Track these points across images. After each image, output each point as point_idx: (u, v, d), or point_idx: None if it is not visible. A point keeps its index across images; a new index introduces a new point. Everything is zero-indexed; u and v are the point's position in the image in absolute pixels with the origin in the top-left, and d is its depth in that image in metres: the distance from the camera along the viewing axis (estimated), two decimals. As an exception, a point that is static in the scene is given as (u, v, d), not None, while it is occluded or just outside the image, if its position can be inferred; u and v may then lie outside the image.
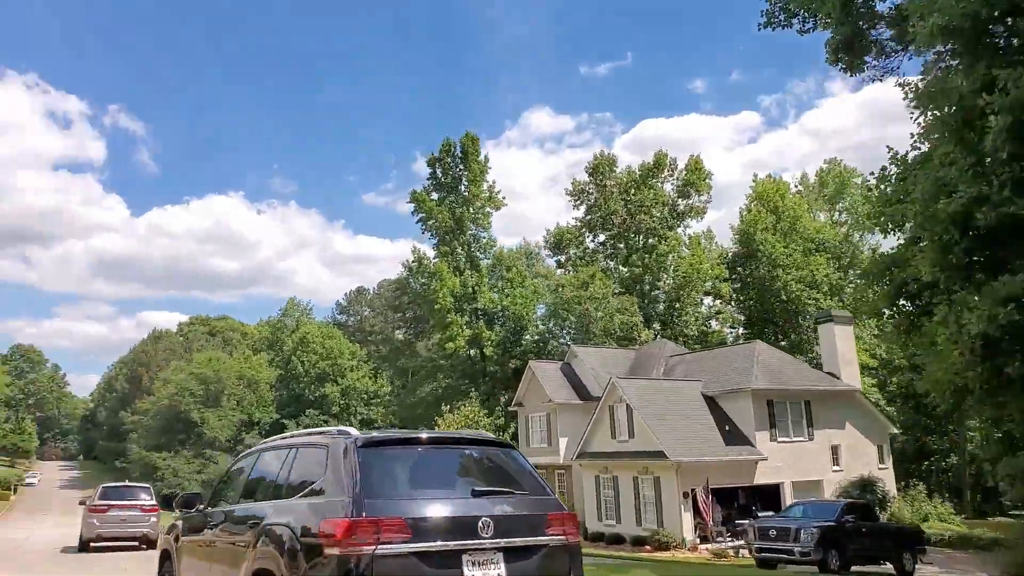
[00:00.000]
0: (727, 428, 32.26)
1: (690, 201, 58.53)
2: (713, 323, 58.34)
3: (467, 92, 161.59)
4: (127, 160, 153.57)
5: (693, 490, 29.64)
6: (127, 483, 26.81)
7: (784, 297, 55.61)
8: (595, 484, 34.27)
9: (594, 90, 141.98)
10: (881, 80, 21.49)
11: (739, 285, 58.62)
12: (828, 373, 35.24)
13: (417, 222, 53.53)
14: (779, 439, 32.52)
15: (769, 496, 32.30)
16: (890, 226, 19.10)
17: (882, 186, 18.66)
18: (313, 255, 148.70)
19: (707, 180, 58.74)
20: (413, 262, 53.81)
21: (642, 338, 49.98)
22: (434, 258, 52.55)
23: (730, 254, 59.54)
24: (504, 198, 55.23)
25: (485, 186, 54.49)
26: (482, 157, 54.25)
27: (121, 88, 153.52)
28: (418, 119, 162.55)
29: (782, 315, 56.86)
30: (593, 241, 60.11)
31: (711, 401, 33.73)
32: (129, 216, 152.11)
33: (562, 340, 47.91)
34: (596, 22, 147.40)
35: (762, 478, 31.88)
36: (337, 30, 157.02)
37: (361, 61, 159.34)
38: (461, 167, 53.95)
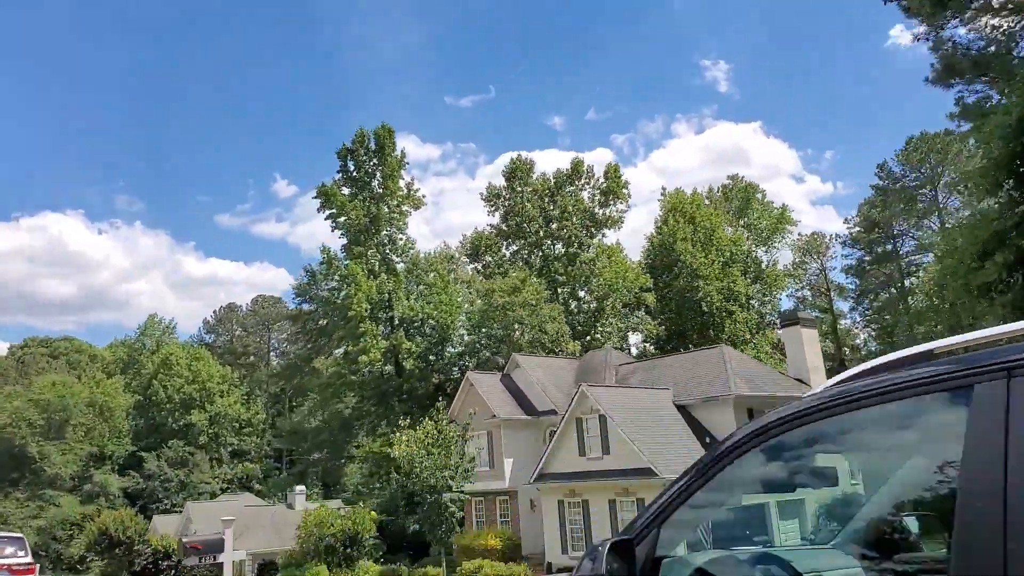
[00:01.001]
0: (707, 440, 29.29)
1: (608, 210, 56.28)
2: (633, 336, 56.19)
3: (332, 112, 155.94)
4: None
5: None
6: None
7: (705, 309, 54.29)
8: (558, 511, 30.26)
9: (458, 120, 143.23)
10: (940, 30, 19.72)
11: (656, 297, 56.88)
12: (796, 379, 33.21)
13: (326, 219, 47.75)
14: (760, 451, 29.87)
15: (750, 514, 29.52)
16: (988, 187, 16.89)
17: (988, 144, 16.21)
18: (160, 278, 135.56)
19: (625, 189, 56.83)
20: (322, 263, 47.71)
21: (568, 349, 46.74)
22: (344, 260, 46.74)
23: (645, 265, 57.79)
24: (424, 196, 50.70)
25: (402, 183, 49.63)
26: (398, 152, 49.45)
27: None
28: (279, 138, 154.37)
29: (701, 328, 55.44)
30: (508, 249, 56.62)
31: (684, 411, 30.77)
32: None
33: (487, 352, 43.61)
34: (461, 54, 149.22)
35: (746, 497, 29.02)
36: (190, 40, 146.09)
37: (216, 75, 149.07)
38: (375, 161, 48.83)
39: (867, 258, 68.68)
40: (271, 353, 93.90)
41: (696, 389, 31.26)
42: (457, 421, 38.30)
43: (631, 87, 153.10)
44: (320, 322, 49.02)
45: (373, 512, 38.88)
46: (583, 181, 57.61)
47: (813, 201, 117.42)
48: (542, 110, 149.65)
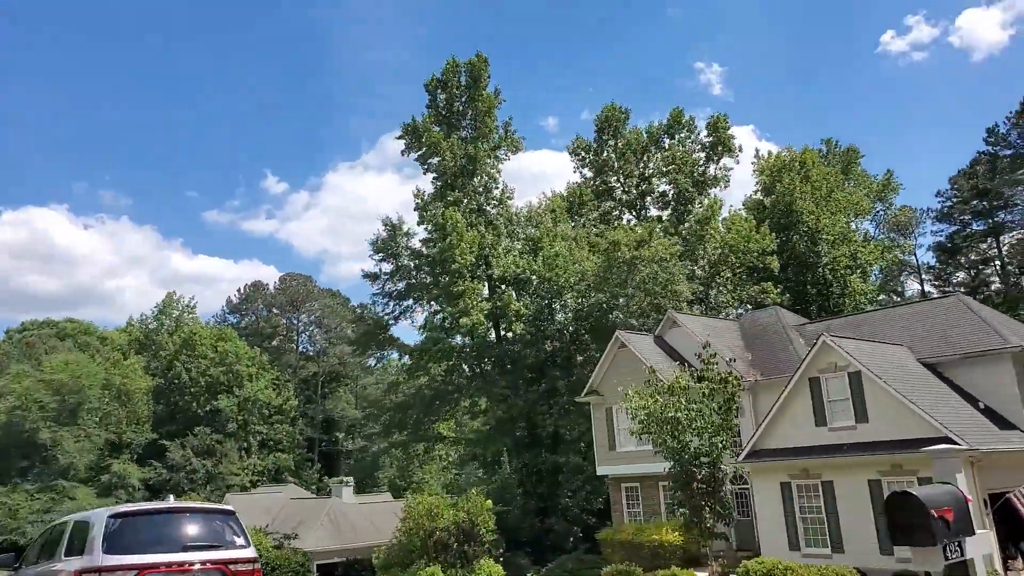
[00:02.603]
0: (981, 407, 22.79)
1: (717, 165, 49.72)
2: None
3: (322, 111, 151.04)
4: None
5: (1004, 495, 19.68)
6: (169, 503, 10.46)
7: (828, 277, 47.87)
8: (781, 496, 23.54)
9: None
10: None
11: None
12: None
13: (416, 159, 40.92)
14: (1042, 423, 23.38)
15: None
16: None
17: None
18: (146, 274, 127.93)
19: (733, 141, 50.27)
20: (416, 208, 40.53)
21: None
22: (437, 205, 39.51)
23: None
24: (522, 138, 43.71)
25: (498, 123, 42.73)
26: (492, 88, 42.49)
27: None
28: (269, 135, 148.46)
29: (819, 298, 48.95)
30: (598, 209, 49.86)
31: (933, 371, 24.24)
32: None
33: (619, 314, 36.72)
34: (453, 51, 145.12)
35: (1030, 478, 22.50)
36: (179, 36, 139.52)
37: (205, 70, 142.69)
38: (466, 97, 41.85)
39: (958, 236, 62.02)
40: (299, 336, 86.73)
41: (943, 345, 24.73)
42: (603, 391, 31.69)
43: (625, 88, 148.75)
44: (398, 284, 42.00)
45: (489, 501, 32.13)
46: (684, 134, 51.13)
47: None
48: (536, 110, 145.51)
